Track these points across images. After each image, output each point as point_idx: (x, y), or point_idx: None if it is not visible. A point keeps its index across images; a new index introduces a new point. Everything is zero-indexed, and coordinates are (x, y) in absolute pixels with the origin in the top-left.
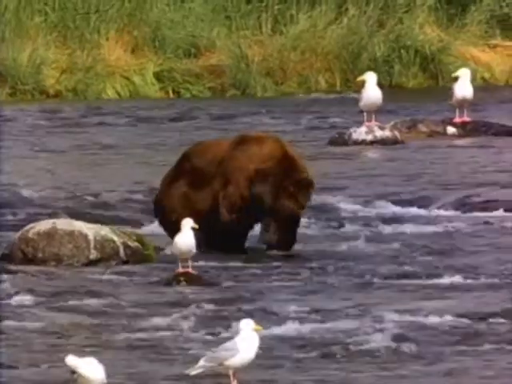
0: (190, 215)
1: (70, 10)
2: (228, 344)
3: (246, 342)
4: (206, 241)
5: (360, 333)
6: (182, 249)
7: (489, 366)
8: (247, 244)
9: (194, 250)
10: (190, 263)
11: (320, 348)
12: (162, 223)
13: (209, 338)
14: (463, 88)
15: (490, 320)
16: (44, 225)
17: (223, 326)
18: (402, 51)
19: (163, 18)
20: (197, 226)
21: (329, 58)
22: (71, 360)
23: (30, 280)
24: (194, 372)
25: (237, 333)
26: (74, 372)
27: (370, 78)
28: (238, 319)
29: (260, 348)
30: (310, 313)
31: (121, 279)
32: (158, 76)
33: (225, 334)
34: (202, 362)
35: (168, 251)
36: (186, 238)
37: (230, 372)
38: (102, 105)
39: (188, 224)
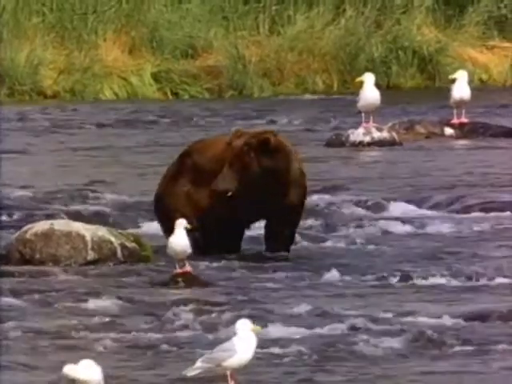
0: (191, 214)
1: (68, 11)
2: (225, 345)
3: (243, 342)
4: (205, 240)
5: (360, 333)
6: (176, 250)
7: (490, 368)
8: (248, 245)
9: (189, 251)
10: (187, 264)
11: (320, 349)
12: (161, 221)
13: (206, 338)
14: (460, 89)
15: (492, 321)
16: (41, 226)
17: (221, 327)
18: (400, 52)
19: (161, 19)
20: (189, 227)
21: (326, 59)
22: (69, 370)
23: (28, 281)
24: (191, 373)
25: (234, 333)
26: (72, 381)
27: (368, 79)
28: (236, 320)
29: (257, 349)
30: (308, 313)
31: (118, 280)
32: (156, 77)
33: (222, 335)
34: (199, 363)
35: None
36: (180, 238)
37: (228, 373)
38: (100, 106)
39: (181, 225)
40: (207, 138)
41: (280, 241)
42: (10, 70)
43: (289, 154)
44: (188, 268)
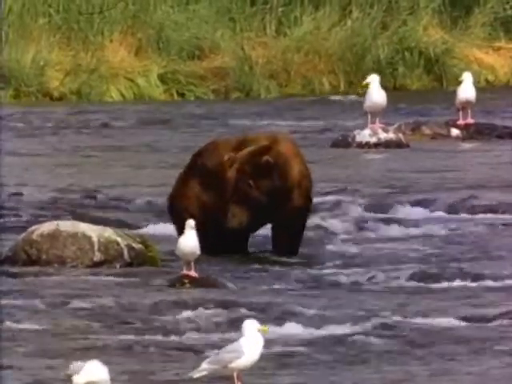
0: (200, 215)
1: (74, 12)
2: (232, 346)
3: (250, 343)
4: (212, 242)
5: (364, 334)
6: (184, 251)
7: (491, 368)
8: (255, 246)
9: (198, 252)
10: (193, 267)
11: (324, 349)
12: (174, 223)
13: (213, 339)
14: (466, 90)
15: (494, 322)
16: (48, 226)
17: (227, 328)
18: (406, 53)
19: (167, 20)
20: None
21: (332, 60)
22: (76, 370)
23: (34, 282)
24: (197, 375)
25: (241, 334)
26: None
27: (374, 80)
28: (242, 321)
29: (264, 349)
30: (314, 314)
31: (124, 281)
32: (162, 78)
33: (229, 336)
34: (205, 365)
35: (172, 253)
36: (189, 239)
37: (235, 374)
38: (106, 107)
39: (191, 225)
40: (219, 138)
41: (287, 242)
42: (16, 71)
43: (286, 163)
44: (193, 273)
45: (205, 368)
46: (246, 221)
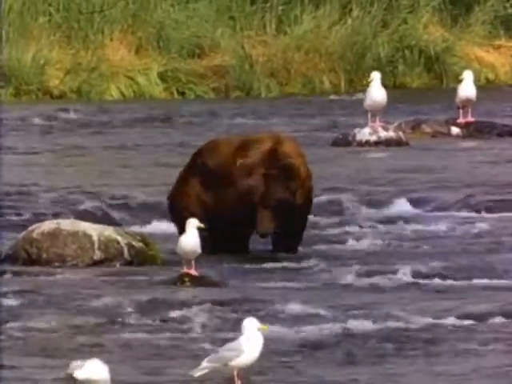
0: (201, 214)
1: (74, 11)
2: (232, 344)
3: (250, 341)
4: (212, 241)
5: (364, 333)
6: (185, 249)
7: (490, 367)
8: (255, 245)
9: (199, 251)
10: (193, 266)
11: (325, 348)
12: (175, 222)
13: (213, 338)
14: (466, 89)
15: (493, 321)
16: (48, 225)
17: (227, 326)
18: (406, 51)
19: (167, 19)
20: (202, 226)
21: (333, 59)
22: (80, 374)
23: (34, 280)
24: (197, 373)
25: (241, 333)
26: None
27: (375, 78)
28: (242, 319)
29: (264, 348)
30: (314, 313)
31: (125, 280)
32: (163, 76)
33: (229, 334)
34: (205, 363)
35: (173, 251)
36: (190, 238)
37: (235, 372)
38: (107, 105)
39: (193, 224)
40: (220, 137)
41: (287, 241)
42: (17, 69)
43: (299, 163)
44: (193, 271)
45: (205, 366)
46: (275, 224)
